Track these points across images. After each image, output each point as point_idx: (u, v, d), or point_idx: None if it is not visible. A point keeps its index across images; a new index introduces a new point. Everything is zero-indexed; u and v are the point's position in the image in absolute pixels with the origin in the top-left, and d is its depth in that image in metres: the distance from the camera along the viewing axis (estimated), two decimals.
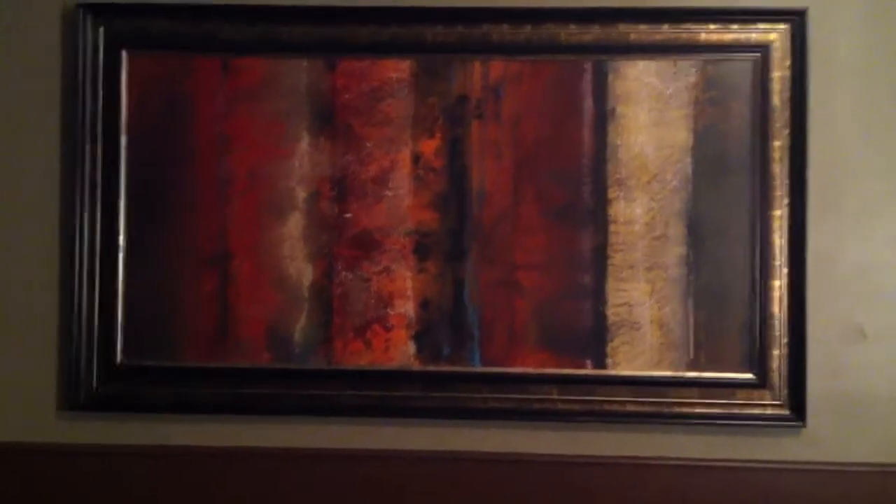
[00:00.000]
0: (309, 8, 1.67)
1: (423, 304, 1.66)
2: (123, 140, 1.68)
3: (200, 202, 1.68)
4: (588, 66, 1.66)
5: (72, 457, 1.68)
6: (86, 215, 1.67)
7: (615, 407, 1.63)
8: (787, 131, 1.62)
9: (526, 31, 1.66)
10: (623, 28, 1.65)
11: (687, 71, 1.65)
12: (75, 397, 1.67)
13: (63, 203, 1.69)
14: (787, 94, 1.62)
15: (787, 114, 1.62)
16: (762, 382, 1.62)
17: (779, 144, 1.62)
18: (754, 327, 1.62)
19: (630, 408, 1.63)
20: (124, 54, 1.68)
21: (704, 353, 1.63)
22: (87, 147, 1.67)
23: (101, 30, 1.68)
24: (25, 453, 1.68)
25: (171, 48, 1.69)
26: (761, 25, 1.63)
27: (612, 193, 1.65)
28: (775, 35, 1.63)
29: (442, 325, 1.66)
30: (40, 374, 1.69)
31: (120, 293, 1.67)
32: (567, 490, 1.64)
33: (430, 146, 1.67)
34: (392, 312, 1.66)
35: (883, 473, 1.61)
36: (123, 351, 1.68)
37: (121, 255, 1.68)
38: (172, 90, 1.69)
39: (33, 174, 1.70)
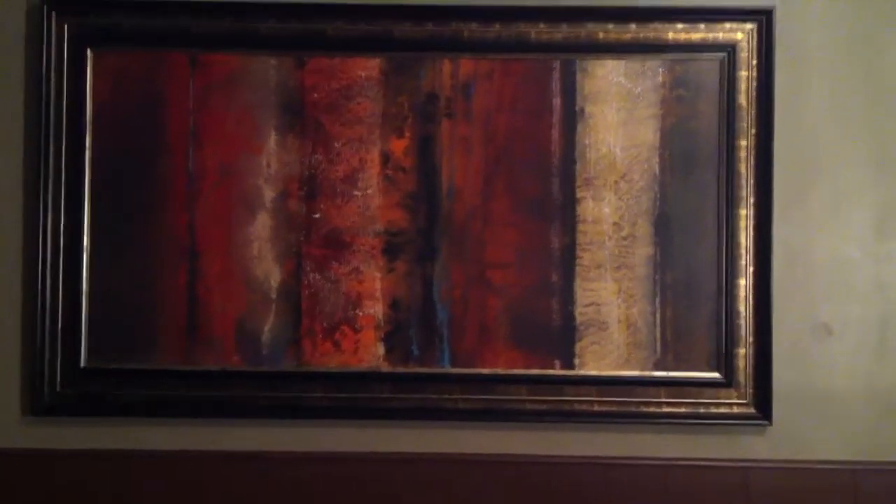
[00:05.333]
0: (278, 4, 1.66)
1: (393, 305, 1.66)
2: (88, 137, 1.66)
3: (167, 201, 1.66)
4: (557, 65, 1.66)
5: (36, 461, 1.65)
6: (49, 214, 1.65)
7: (584, 407, 1.64)
8: (753, 130, 1.63)
9: (495, 30, 1.66)
10: (592, 27, 1.65)
11: (655, 70, 1.65)
12: (39, 401, 1.65)
13: (26, 201, 1.67)
14: (753, 94, 1.63)
15: (753, 113, 1.63)
16: (728, 381, 1.63)
17: (745, 144, 1.63)
18: (721, 326, 1.63)
19: (598, 408, 1.64)
20: (89, 51, 1.66)
21: (671, 353, 1.64)
22: (52, 144, 1.65)
23: (66, 26, 1.66)
24: None
25: (137, 44, 1.67)
26: (728, 25, 1.64)
27: (580, 193, 1.65)
28: (742, 34, 1.64)
29: (411, 325, 1.65)
30: (2, 377, 1.67)
31: (84, 293, 1.65)
32: (537, 490, 1.64)
33: (399, 145, 1.67)
34: (361, 313, 1.66)
35: (849, 471, 1.62)
36: (88, 353, 1.66)
37: (85, 255, 1.66)
38: (139, 86, 1.67)
39: None
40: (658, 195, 1.65)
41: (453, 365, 1.65)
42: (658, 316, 1.64)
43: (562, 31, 1.65)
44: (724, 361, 1.63)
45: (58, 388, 1.65)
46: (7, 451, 1.66)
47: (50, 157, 1.65)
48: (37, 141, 1.65)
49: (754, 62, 1.63)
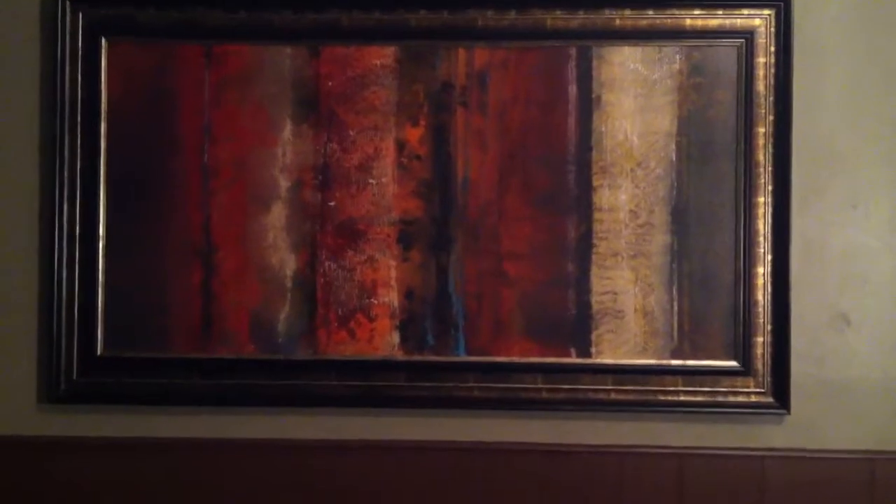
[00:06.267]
0: None
1: (408, 294, 1.65)
2: (103, 128, 1.66)
3: (182, 191, 1.67)
4: (573, 52, 1.65)
5: (52, 450, 1.66)
6: (65, 205, 1.65)
7: (600, 395, 1.63)
8: (771, 118, 1.62)
9: (511, 17, 1.65)
10: (608, 13, 1.64)
11: (672, 57, 1.64)
12: (55, 389, 1.65)
13: (42, 193, 1.67)
14: (771, 81, 1.62)
15: (771, 100, 1.62)
16: (746, 370, 1.62)
17: (763, 131, 1.62)
18: (738, 315, 1.62)
19: (614, 396, 1.63)
20: (103, 41, 1.66)
21: (688, 341, 1.63)
22: (67, 136, 1.65)
23: (81, 16, 1.66)
24: (4, 447, 1.66)
25: (152, 35, 1.67)
26: (746, 11, 1.63)
27: (596, 181, 1.65)
28: (760, 21, 1.63)
29: (426, 314, 1.65)
30: (19, 365, 1.67)
31: (100, 283, 1.66)
32: (552, 479, 1.64)
33: (414, 134, 1.66)
34: (376, 302, 1.66)
35: (867, 461, 1.61)
36: (104, 342, 1.66)
37: (101, 245, 1.66)
38: (154, 78, 1.67)
39: (11, 164, 1.68)
40: (675, 183, 1.64)
41: (468, 354, 1.65)
42: (675, 304, 1.63)
43: (578, 18, 1.64)
44: (742, 350, 1.62)
45: (74, 377, 1.66)
46: (23, 438, 1.67)
47: (65, 148, 1.65)
48: (52, 132, 1.65)
49: (772, 49, 1.62)
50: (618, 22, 1.64)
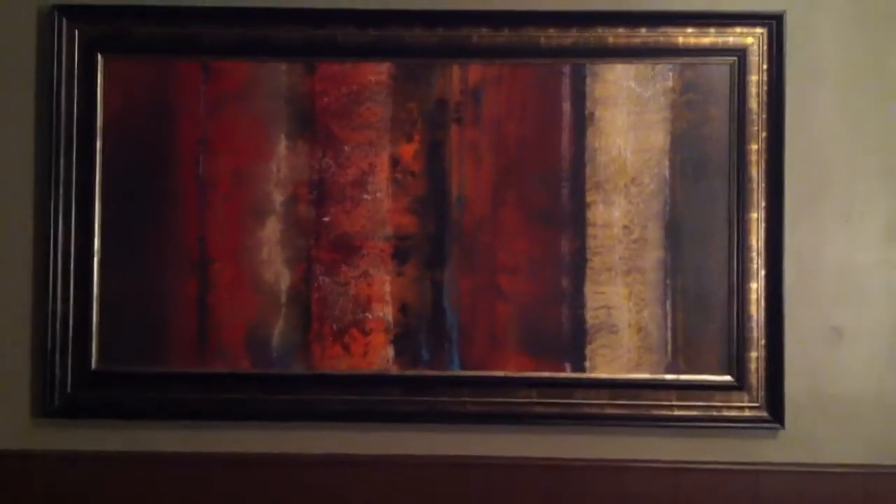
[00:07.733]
0: (288, 10, 1.67)
1: (402, 309, 1.66)
2: (99, 144, 1.66)
3: (178, 206, 1.67)
4: (567, 69, 1.66)
5: (46, 464, 1.65)
6: (60, 219, 1.65)
7: (594, 410, 1.64)
8: (764, 134, 1.63)
9: (505, 35, 1.66)
10: (601, 32, 1.65)
11: (665, 74, 1.65)
12: (50, 404, 1.65)
13: (38, 207, 1.67)
14: (764, 98, 1.63)
15: (764, 117, 1.63)
16: (740, 384, 1.63)
17: (756, 148, 1.63)
18: (732, 329, 1.63)
19: (609, 411, 1.63)
20: (100, 58, 1.67)
21: (683, 356, 1.64)
22: (63, 151, 1.66)
23: (77, 33, 1.67)
24: None
25: (148, 51, 1.67)
26: (738, 29, 1.65)
27: (590, 197, 1.65)
28: (752, 39, 1.64)
29: (421, 329, 1.65)
30: (14, 379, 1.67)
31: (95, 297, 1.66)
32: (547, 493, 1.64)
33: (409, 150, 1.67)
34: (370, 317, 1.66)
35: (861, 475, 1.62)
36: (99, 356, 1.66)
37: (96, 259, 1.66)
38: (150, 93, 1.68)
39: (7, 178, 1.68)
40: (668, 199, 1.65)
41: (463, 368, 1.65)
42: (669, 319, 1.64)
43: (571, 36, 1.66)
44: (736, 365, 1.62)
45: (68, 391, 1.65)
46: (17, 452, 1.66)
47: (61, 164, 1.65)
48: (48, 148, 1.66)
49: (765, 67, 1.63)
50: (611, 40, 1.65)
